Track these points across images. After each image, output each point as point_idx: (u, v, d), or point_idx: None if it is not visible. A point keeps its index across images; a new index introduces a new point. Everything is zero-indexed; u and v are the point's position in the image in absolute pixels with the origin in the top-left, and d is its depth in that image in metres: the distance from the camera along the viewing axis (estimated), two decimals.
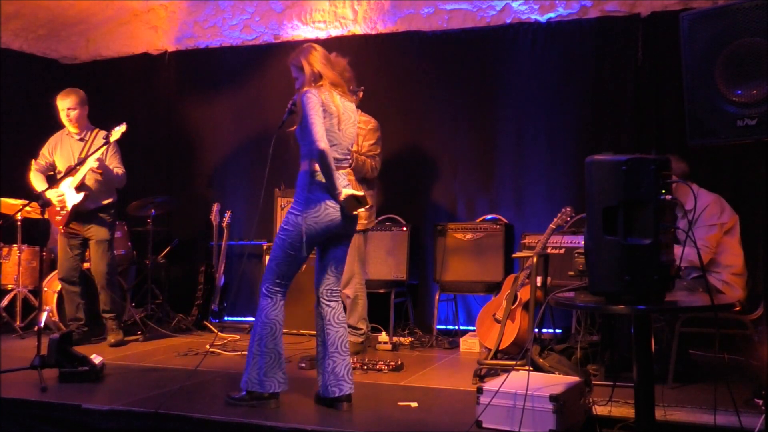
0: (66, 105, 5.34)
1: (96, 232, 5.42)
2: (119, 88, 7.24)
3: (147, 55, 7.30)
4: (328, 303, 3.73)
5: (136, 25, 7.39)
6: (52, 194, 5.27)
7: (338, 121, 3.56)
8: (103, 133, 5.38)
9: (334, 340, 3.65)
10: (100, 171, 5.22)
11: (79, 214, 5.32)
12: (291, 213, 3.56)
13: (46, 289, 5.76)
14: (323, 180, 3.51)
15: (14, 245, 5.98)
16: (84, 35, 7.51)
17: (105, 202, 5.45)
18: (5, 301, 5.94)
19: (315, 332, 3.82)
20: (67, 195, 5.27)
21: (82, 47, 7.59)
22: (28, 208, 5.38)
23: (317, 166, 3.51)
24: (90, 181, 5.31)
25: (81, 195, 5.26)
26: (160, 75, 7.22)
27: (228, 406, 3.63)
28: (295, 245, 3.53)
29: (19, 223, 5.92)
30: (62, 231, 5.37)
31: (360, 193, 3.59)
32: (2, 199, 5.84)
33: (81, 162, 5.23)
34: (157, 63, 7.26)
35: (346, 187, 3.58)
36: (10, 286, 5.97)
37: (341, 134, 3.59)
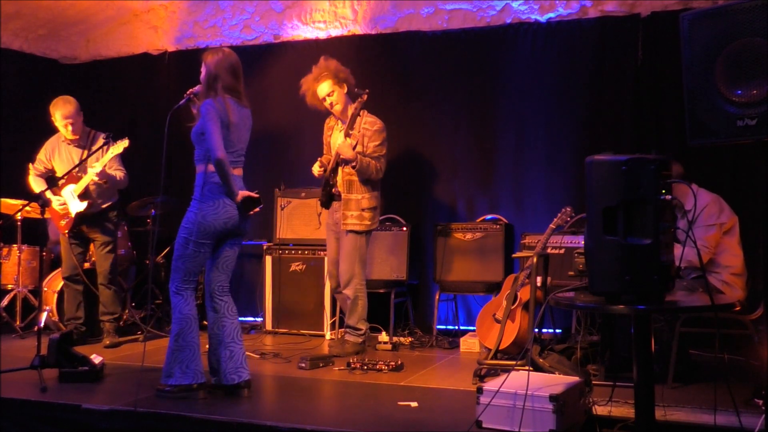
0: (65, 116, 5.28)
1: (100, 236, 5.47)
2: (119, 88, 7.24)
3: (147, 55, 7.30)
4: (220, 298, 3.93)
5: (136, 25, 7.39)
6: (54, 201, 5.30)
7: (233, 129, 3.83)
8: (100, 135, 5.40)
9: (230, 331, 3.87)
10: (103, 181, 5.25)
11: (83, 219, 5.35)
12: (190, 212, 3.80)
13: (46, 289, 5.77)
14: (220, 181, 3.77)
15: (14, 245, 5.98)
16: (84, 35, 7.51)
17: (106, 204, 5.48)
18: (5, 301, 5.94)
19: (208, 325, 3.99)
20: (70, 203, 5.29)
21: (82, 47, 7.59)
22: (28, 208, 5.39)
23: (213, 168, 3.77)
24: (92, 188, 5.33)
25: (84, 204, 5.29)
26: (160, 75, 7.22)
27: (227, 404, 3.63)
28: (197, 241, 3.76)
29: (19, 223, 5.92)
30: (66, 234, 5.39)
31: (255, 194, 3.84)
32: (2, 199, 5.84)
33: (82, 169, 5.26)
34: (157, 63, 7.25)
35: (242, 189, 3.85)
36: (10, 286, 5.98)
37: (235, 139, 3.87)
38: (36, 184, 5.38)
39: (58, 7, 6.84)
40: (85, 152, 5.34)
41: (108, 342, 5.36)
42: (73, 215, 5.30)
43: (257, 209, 3.90)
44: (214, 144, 3.71)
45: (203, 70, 3.89)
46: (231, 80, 3.87)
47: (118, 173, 5.39)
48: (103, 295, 5.47)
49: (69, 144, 5.42)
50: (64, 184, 5.32)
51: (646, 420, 2.62)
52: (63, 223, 5.36)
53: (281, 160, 6.49)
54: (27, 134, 7.00)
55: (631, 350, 2.65)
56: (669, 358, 4.02)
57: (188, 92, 3.95)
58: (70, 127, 5.32)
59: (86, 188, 5.28)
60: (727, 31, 2.76)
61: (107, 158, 5.23)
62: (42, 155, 5.47)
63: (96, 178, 5.18)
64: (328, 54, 5.23)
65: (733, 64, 2.74)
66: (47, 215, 5.64)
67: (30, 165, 5.46)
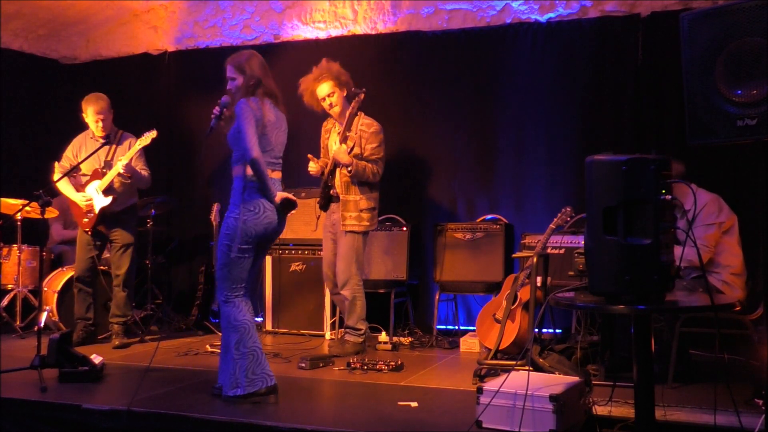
0: (97, 112, 5.33)
1: (121, 236, 5.45)
2: (119, 88, 7.21)
3: (147, 55, 7.31)
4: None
5: (136, 25, 7.39)
6: (78, 197, 5.31)
7: (270, 129, 3.78)
8: (127, 135, 5.43)
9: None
10: (128, 175, 5.25)
11: (105, 217, 5.35)
12: (229, 218, 3.71)
13: (46, 289, 5.76)
14: (259, 183, 3.71)
15: (14, 245, 5.98)
16: (84, 35, 7.51)
17: (128, 204, 5.50)
18: (5, 301, 5.94)
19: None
20: (95, 198, 5.30)
21: (82, 47, 7.59)
22: (28, 208, 5.38)
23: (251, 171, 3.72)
24: (117, 184, 5.34)
25: (109, 198, 5.30)
26: (160, 75, 7.22)
27: (227, 404, 3.63)
28: (240, 247, 3.68)
29: (19, 223, 5.92)
30: (88, 231, 5.38)
31: (292, 196, 3.82)
32: (2, 199, 5.84)
33: (108, 165, 5.29)
34: (157, 63, 7.26)
35: (279, 191, 3.81)
36: (10, 286, 5.97)
37: (273, 140, 3.83)
38: (62, 183, 5.36)
39: (58, 7, 6.84)
40: (113, 148, 5.37)
41: (117, 343, 5.36)
42: (97, 211, 5.30)
43: (293, 211, 3.87)
44: (249, 143, 3.64)
45: (239, 75, 3.78)
46: (271, 84, 3.82)
47: (143, 171, 5.41)
48: (116, 297, 5.47)
49: (96, 141, 5.42)
50: (88, 182, 5.35)
51: (646, 420, 2.62)
52: (86, 220, 5.35)
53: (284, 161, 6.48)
54: (27, 134, 7.02)
55: (631, 350, 2.65)
56: (669, 358, 4.02)
57: (216, 110, 3.80)
58: (101, 123, 5.35)
59: (110, 184, 5.29)
60: (727, 31, 2.76)
61: (134, 151, 5.26)
62: (69, 152, 5.47)
63: (122, 171, 5.17)
64: (328, 54, 5.23)
65: (733, 64, 2.75)
66: (49, 215, 5.64)
67: (55, 163, 5.47)
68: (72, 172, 5.32)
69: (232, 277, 3.71)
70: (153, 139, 5.25)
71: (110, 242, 5.50)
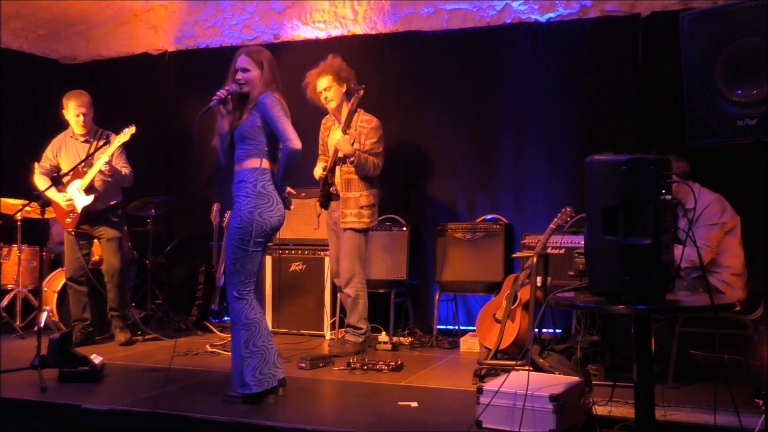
0: (79, 108, 5.31)
1: (106, 232, 5.43)
2: (119, 88, 7.24)
3: (147, 55, 7.30)
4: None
5: (136, 25, 7.39)
6: (59, 198, 5.28)
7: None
8: (108, 133, 5.39)
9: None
10: (109, 174, 5.23)
11: (88, 216, 5.33)
12: (242, 211, 3.66)
13: (46, 289, 5.76)
14: (274, 178, 3.72)
15: (14, 245, 5.98)
16: (84, 35, 7.51)
17: (112, 202, 5.47)
18: (5, 301, 5.94)
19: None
20: (76, 198, 5.28)
21: (82, 47, 7.59)
22: (28, 208, 5.38)
23: (271, 164, 3.71)
24: (98, 183, 5.32)
25: (91, 197, 5.27)
26: (160, 75, 7.22)
27: (227, 404, 3.63)
28: (256, 240, 3.65)
29: (19, 223, 5.92)
30: (72, 231, 5.36)
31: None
32: (2, 199, 5.84)
33: (88, 164, 5.24)
34: (157, 63, 7.26)
35: None
36: (10, 286, 5.98)
37: None
38: (41, 183, 5.34)
39: (58, 7, 6.84)
40: (93, 146, 5.31)
41: (123, 339, 5.38)
42: (79, 210, 5.27)
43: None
44: (291, 134, 3.62)
45: (255, 68, 3.74)
46: (280, 82, 3.83)
47: (124, 169, 5.38)
48: (110, 292, 5.45)
49: (76, 140, 5.40)
50: (69, 181, 5.31)
51: (646, 420, 2.62)
52: (68, 220, 5.33)
53: None
54: (27, 134, 7.02)
55: (631, 350, 2.65)
56: (669, 358, 4.02)
57: (222, 92, 3.71)
58: (81, 117, 5.31)
59: (91, 183, 5.27)
60: (727, 31, 2.76)
61: (113, 148, 5.22)
62: (48, 152, 5.45)
63: (105, 168, 5.15)
64: (328, 54, 5.22)
65: (733, 64, 2.74)
66: (49, 215, 5.64)
67: (35, 164, 5.45)
68: (59, 178, 5.23)
69: (246, 271, 3.66)
70: (132, 135, 5.21)
71: (97, 239, 5.47)
